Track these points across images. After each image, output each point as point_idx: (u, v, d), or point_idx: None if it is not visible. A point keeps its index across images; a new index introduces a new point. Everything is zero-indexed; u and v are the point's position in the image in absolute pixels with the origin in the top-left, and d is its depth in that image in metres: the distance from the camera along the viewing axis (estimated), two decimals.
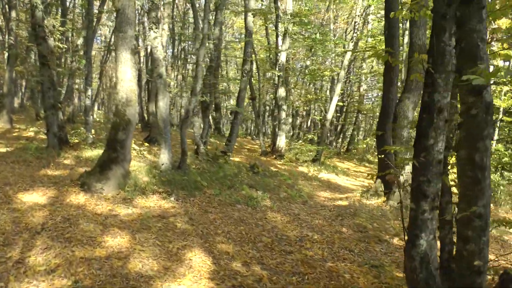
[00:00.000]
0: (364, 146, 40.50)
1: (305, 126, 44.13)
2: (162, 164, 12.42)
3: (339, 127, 39.00)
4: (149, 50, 25.16)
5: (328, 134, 34.31)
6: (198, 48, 14.76)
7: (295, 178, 16.67)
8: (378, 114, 28.78)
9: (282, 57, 23.45)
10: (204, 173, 13.06)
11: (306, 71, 33.71)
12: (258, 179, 14.35)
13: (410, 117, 12.82)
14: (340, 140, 40.28)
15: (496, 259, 7.85)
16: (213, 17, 20.23)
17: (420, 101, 12.26)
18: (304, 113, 43.16)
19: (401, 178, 12.63)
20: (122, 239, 7.14)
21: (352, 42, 23.77)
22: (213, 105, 41.64)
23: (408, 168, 12.54)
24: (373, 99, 42.88)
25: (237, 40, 36.59)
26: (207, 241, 7.65)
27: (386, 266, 7.38)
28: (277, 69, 23.45)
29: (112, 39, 28.48)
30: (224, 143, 20.03)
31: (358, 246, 8.53)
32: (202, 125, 17.79)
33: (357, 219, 10.77)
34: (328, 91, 39.19)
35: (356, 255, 7.90)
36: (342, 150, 37.45)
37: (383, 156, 13.60)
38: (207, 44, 17.73)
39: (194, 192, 11.08)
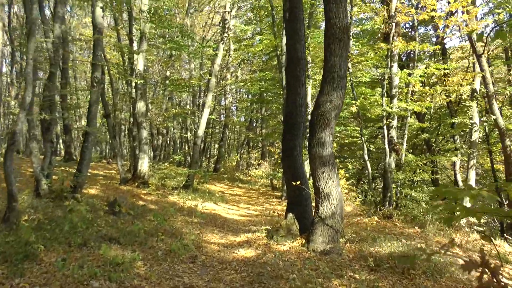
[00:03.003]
0: (234, 164, 37.32)
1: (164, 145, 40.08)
2: None
3: (204, 144, 35.35)
4: None
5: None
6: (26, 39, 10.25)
7: (169, 215, 12.61)
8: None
9: (140, 64, 19.31)
10: (43, 226, 8.56)
11: (167, 81, 29.56)
12: (121, 225, 10.14)
13: (333, 126, 9.50)
14: (205, 158, 36.78)
15: None
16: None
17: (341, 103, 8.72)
18: (165, 131, 38.99)
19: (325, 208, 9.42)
20: None
21: (223, 43, 20.19)
22: (59, 126, 36.61)
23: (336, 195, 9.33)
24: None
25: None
26: None
27: None
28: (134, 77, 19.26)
29: None
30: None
31: None
32: (46, 152, 13.15)
33: None
34: (189, 105, 35.87)
35: None
36: (209, 169, 33.84)
37: (296, 182, 10.23)
38: (43, 42, 13.29)
39: (22, 265, 6.70)
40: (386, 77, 16.74)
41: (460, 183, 22.61)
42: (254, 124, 41.66)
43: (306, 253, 9.37)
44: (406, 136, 18.21)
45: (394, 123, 16.92)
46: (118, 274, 6.78)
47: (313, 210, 9.99)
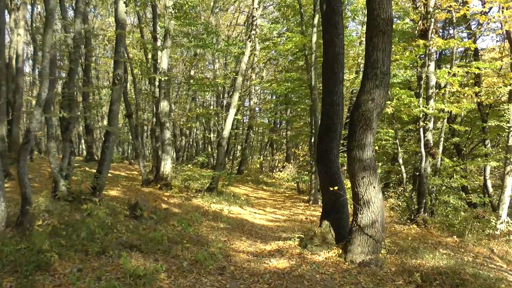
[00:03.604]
0: (258, 166, 36.56)
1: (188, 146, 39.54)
2: None
3: (228, 146, 34.66)
4: None
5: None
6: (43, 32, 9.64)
7: (194, 220, 11.89)
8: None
9: (164, 61, 18.67)
10: (58, 232, 7.87)
11: (191, 81, 28.91)
12: (143, 230, 9.43)
13: (375, 127, 8.69)
14: (228, 160, 36.09)
15: None
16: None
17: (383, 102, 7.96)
18: (188, 132, 38.42)
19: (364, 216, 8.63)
20: None
21: (250, 40, 19.44)
22: (81, 126, 36.34)
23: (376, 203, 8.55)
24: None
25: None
26: None
27: None
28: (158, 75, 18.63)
29: None
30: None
31: None
32: (64, 152, 12.56)
33: None
34: (213, 105, 35.27)
35: None
36: (233, 171, 33.12)
37: (333, 187, 9.45)
38: (61, 36, 12.75)
39: (33, 277, 6.04)
40: (423, 77, 15.82)
41: (490, 189, 21.67)
42: (278, 126, 40.99)
43: (343, 264, 8.60)
44: (442, 139, 17.23)
45: (431, 125, 16.02)
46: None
47: (351, 218, 9.16)
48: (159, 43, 19.99)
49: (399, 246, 10.38)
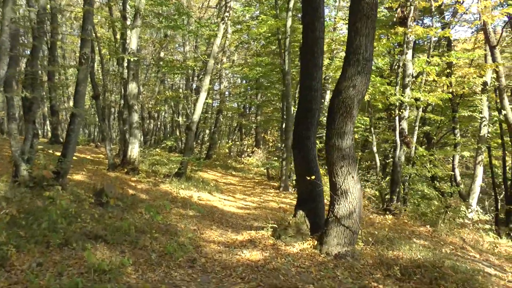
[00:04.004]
0: (226, 151, 36.08)
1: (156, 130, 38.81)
2: None
3: (197, 130, 34.07)
4: None
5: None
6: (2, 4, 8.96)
7: (162, 207, 11.40)
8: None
9: (133, 42, 17.96)
10: (17, 222, 7.27)
11: (161, 63, 28.10)
12: (109, 219, 8.89)
13: (355, 115, 8.34)
14: (196, 144, 35.53)
15: None
16: None
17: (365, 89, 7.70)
18: (156, 115, 37.66)
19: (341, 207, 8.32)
20: None
21: (223, 22, 18.81)
22: (46, 107, 35.17)
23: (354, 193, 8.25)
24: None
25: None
26: None
27: None
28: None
29: None
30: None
31: None
32: (27, 134, 11.84)
33: None
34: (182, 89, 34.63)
35: None
36: (201, 156, 32.57)
37: (309, 176, 9.11)
38: (25, 10, 12.01)
39: None
40: (401, 65, 15.57)
41: (459, 178, 21.80)
42: (248, 110, 40.63)
43: (319, 256, 8.28)
44: (417, 128, 17.05)
45: (406, 114, 15.83)
46: (105, 286, 5.59)
47: (328, 208, 8.82)
48: (128, 23, 19.26)
49: (375, 237, 10.11)
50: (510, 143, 19.69)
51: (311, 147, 9.80)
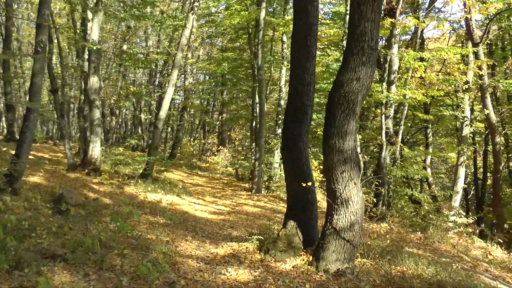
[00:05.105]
0: (191, 149, 34.77)
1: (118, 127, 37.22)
2: None
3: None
4: None
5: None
6: None
7: (129, 214, 10.10)
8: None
9: (95, 32, 16.55)
10: None
11: (124, 55, 26.56)
12: (69, 232, 7.54)
13: (358, 113, 7.28)
14: (160, 142, 34.17)
15: None
16: None
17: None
18: (117, 111, 36.06)
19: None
20: None
21: (193, 13, 17.50)
22: (2, 102, 33.28)
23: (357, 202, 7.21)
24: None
25: None
26: None
27: None
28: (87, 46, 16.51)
29: None
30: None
31: None
32: None
33: None
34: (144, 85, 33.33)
35: None
36: (165, 155, 31.23)
37: (304, 181, 7.99)
38: None
39: None
40: (388, 59, 14.65)
41: (431, 179, 21.32)
42: (212, 108, 39.67)
43: (316, 275, 7.18)
44: (402, 127, 16.20)
45: (391, 112, 14.93)
46: None
47: (325, 219, 7.71)
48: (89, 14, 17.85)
49: (372, 248, 9.09)
50: (490, 143, 19.17)
51: (303, 148, 8.65)
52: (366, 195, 15.93)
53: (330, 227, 7.34)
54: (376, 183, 13.63)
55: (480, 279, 8.42)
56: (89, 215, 9.26)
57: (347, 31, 14.90)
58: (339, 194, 7.22)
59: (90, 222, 8.74)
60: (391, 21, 13.84)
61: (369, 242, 9.80)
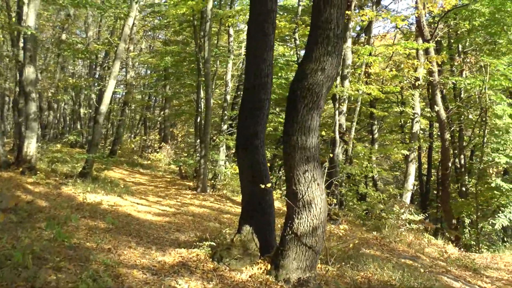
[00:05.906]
0: (132, 146, 33.62)
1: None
2: None
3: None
4: None
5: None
6: None
7: (67, 219, 9.16)
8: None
9: (31, 18, 15.35)
10: None
11: (63, 45, 25.16)
12: None
13: (322, 107, 6.68)
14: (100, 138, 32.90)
15: None
16: None
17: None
18: (56, 106, 34.45)
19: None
20: None
21: (136, 2, 16.52)
22: None
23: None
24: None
25: None
26: None
27: None
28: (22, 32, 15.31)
29: None
30: None
31: None
32: None
33: None
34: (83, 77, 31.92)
35: None
36: (105, 152, 29.94)
37: (259, 182, 7.36)
38: None
39: None
40: (342, 54, 14.25)
41: (376, 176, 21.25)
42: (153, 103, 38.68)
43: (276, 285, 6.56)
44: (355, 123, 15.85)
45: (344, 108, 14.52)
46: None
47: (284, 223, 7.08)
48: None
49: (332, 253, 8.54)
50: (438, 139, 19.26)
51: (260, 146, 7.95)
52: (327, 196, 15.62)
53: (290, 232, 6.73)
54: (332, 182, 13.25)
55: (446, 282, 8.07)
56: (22, 221, 8.28)
57: (300, 22, 14.38)
58: (300, 196, 6.61)
59: (23, 229, 7.77)
60: (346, 13, 13.42)
61: (331, 246, 9.28)
